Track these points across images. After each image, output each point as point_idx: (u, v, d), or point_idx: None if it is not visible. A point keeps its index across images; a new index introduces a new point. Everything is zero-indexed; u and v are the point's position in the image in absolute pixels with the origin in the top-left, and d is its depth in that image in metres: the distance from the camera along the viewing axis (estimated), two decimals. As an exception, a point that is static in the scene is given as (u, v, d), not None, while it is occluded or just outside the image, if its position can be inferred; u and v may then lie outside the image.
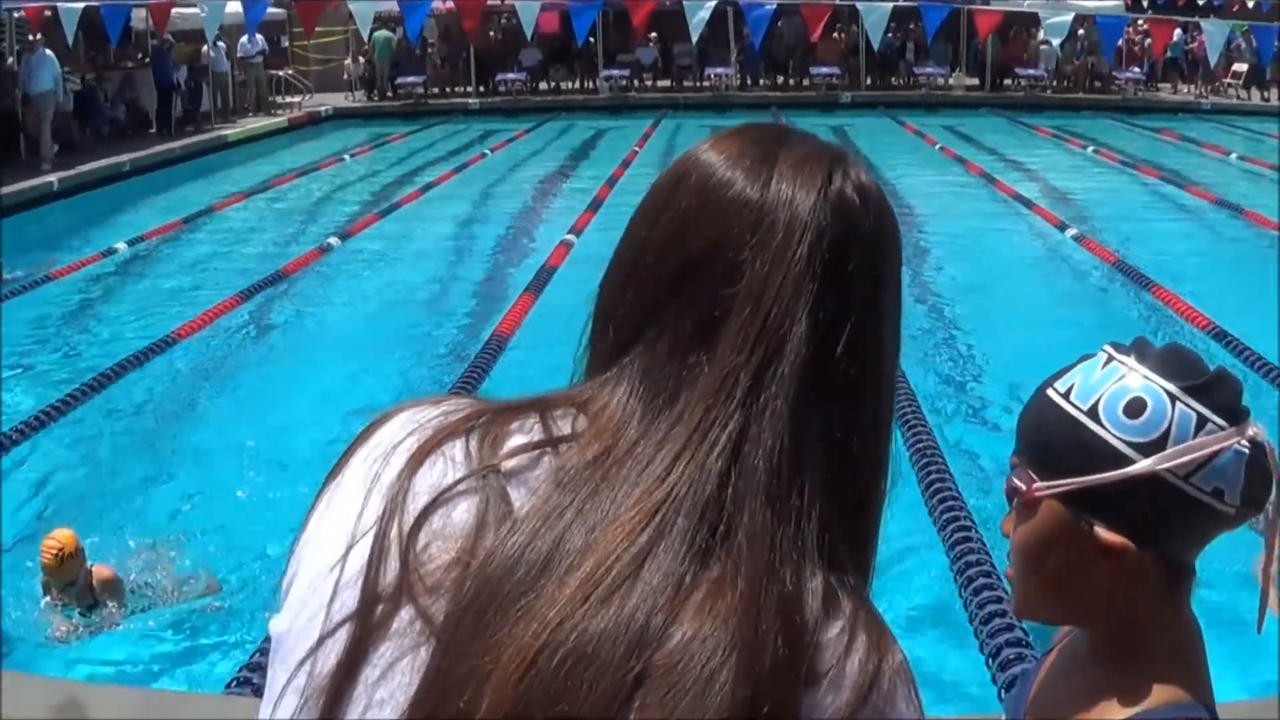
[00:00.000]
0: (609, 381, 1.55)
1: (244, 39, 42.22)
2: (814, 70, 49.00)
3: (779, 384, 1.47)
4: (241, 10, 41.03)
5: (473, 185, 29.58)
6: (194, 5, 39.71)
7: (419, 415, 1.57)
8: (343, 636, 1.43)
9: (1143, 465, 2.07)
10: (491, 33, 50.76)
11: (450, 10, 47.18)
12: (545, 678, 1.33)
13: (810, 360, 1.48)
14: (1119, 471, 2.08)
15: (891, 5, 45.40)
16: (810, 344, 1.48)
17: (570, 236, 20.62)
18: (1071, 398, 2.17)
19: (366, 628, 1.42)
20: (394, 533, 1.45)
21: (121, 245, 21.39)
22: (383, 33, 47.76)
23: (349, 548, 1.48)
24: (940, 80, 49.20)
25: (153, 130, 37.43)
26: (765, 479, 1.43)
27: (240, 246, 22.48)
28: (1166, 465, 2.07)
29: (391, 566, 1.44)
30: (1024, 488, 2.17)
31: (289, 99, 46.14)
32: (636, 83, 50.24)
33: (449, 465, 1.49)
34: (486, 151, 35.30)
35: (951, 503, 9.26)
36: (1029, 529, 2.18)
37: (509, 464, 1.49)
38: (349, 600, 1.44)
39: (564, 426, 1.52)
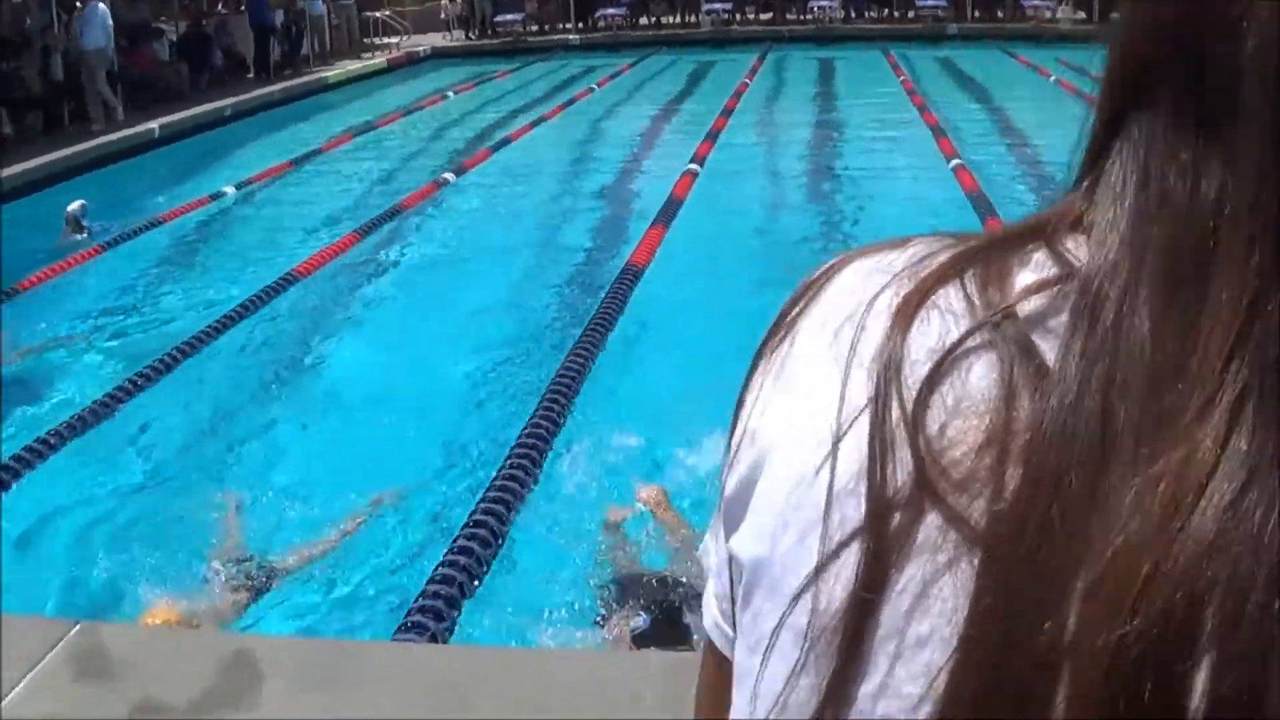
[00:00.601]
0: (1103, 182, 1.05)
1: (337, -20, 42.01)
2: (919, 3, 48.38)
3: None
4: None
5: (583, 119, 29.12)
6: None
7: (883, 261, 1.12)
8: (851, 558, 0.99)
9: None
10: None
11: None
12: (1158, 607, 0.87)
13: None
14: None
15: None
16: None
17: (694, 166, 20.20)
18: None
19: (883, 544, 0.98)
20: (895, 414, 1.01)
21: (229, 189, 21.05)
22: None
23: (836, 441, 1.03)
24: (1047, 14, 48.38)
25: (250, 75, 37.19)
26: None
27: (351, 185, 22.09)
28: None
29: (902, 459, 0.99)
30: None
31: (386, 40, 45.90)
32: (738, 16, 49.73)
33: (947, 318, 1.04)
34: (594, 86, 34.90)
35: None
36: None
37: (1026, 308, 1.02)
38: (851, 511, 1.00)
39: (1080, 255, 1.02)
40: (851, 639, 0.96)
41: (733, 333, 12.25)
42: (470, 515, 7.80)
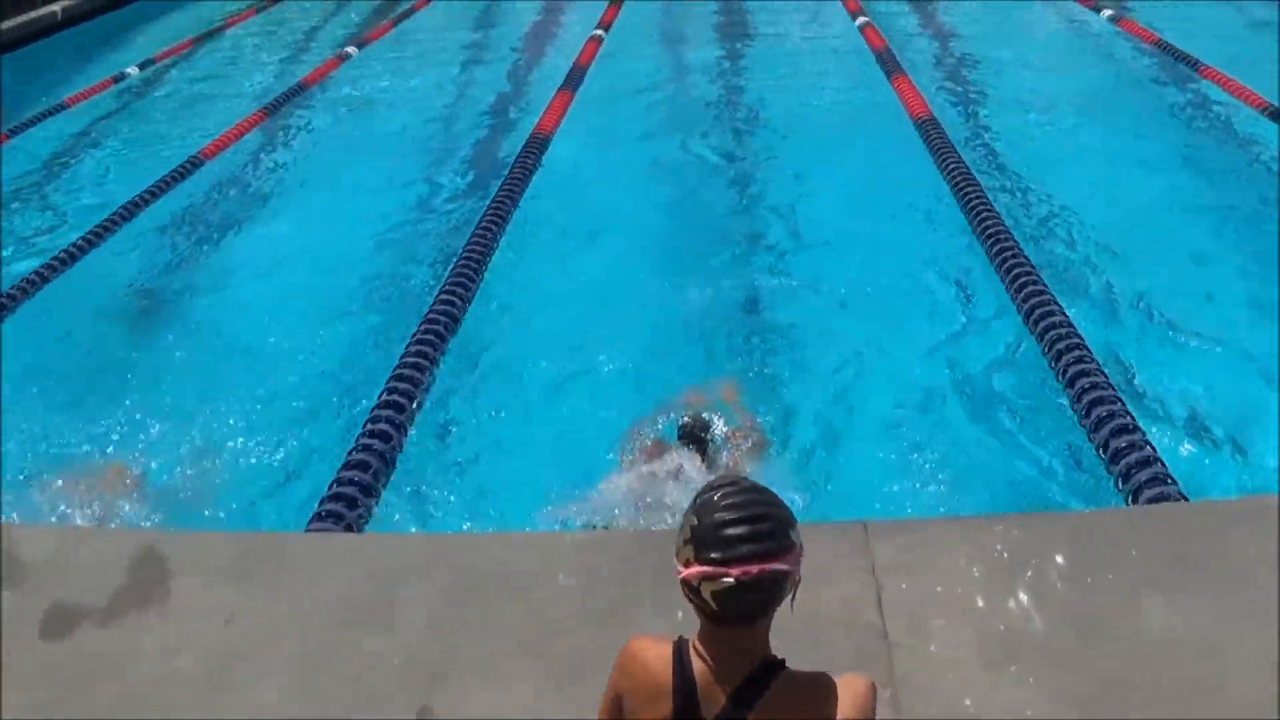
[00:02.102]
0: None
1: None
2: None
3: None
4: None
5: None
6: None
7: None
8: None
9: None
10: None
11: None
12: None
13: None
14: None
15: None
16: None
17: (599, 31, 20.11)
18: None
19: None
20: None
21: (133, 70, 20.76)
22: None
23: None
24: None
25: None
26: None
27: (253, 63, 21.86)
28: None
29: None
30: None
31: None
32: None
33: None
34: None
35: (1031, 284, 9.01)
36: None
37: None
38: None
39: None
40: None
41: (631, 199, 12.36)
42: (376, 400, 7.83)
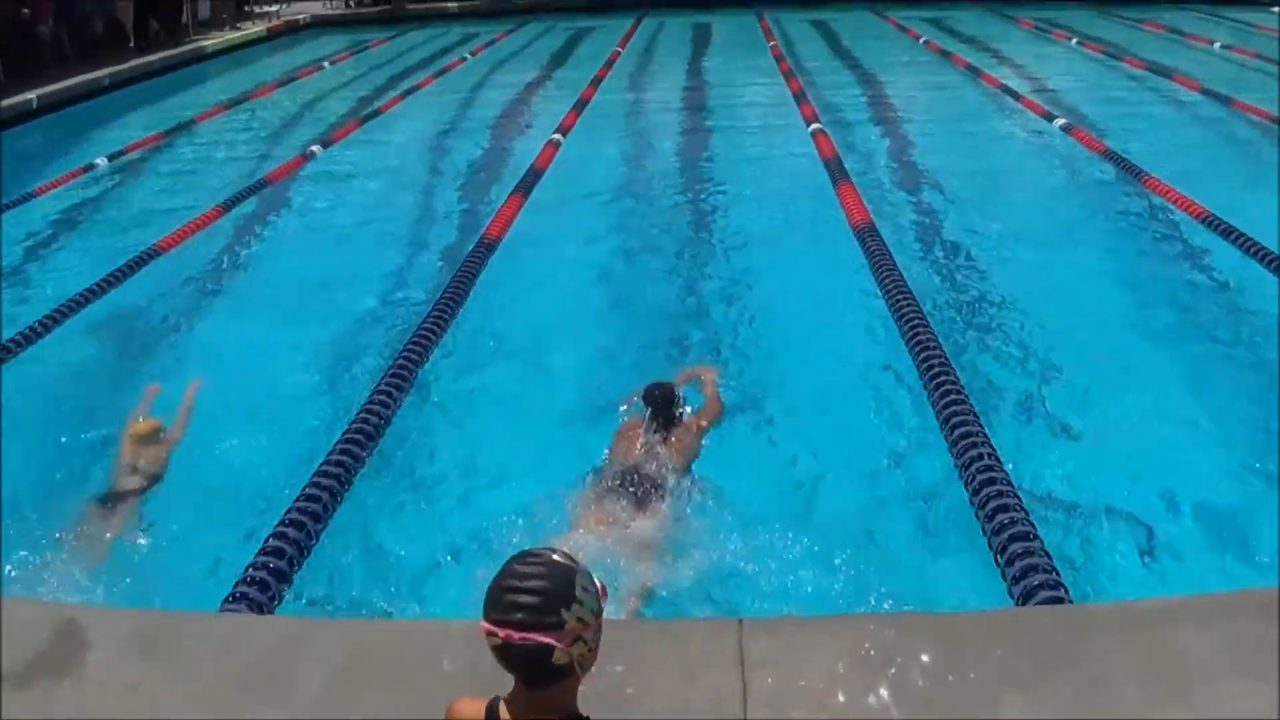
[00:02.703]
0: None
1: (211, -52, 41.69)
2: (795, -36, 48.64)
3: None
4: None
5: (455, 89, 29.41)
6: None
7: None
8: None
9: None
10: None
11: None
12: None
13: None
14: None
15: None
16: None
17: (557, 136, 20.49)
18: None
19: None
20: None
21: (101, 161, 21.11)
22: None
23: None
24: (922, -27, 48.91)
25: (131, 44, 36.95)
26: None
27: (223, 157, 22.25)
28: None
29: None
30: None
31: (267, 8, 45.68)
32: (617, -18, 49.86)
33: None
34: (467, 55, 35.07)
35: (954, 396, 9.24)
36: None
37: None
38: None
39: None
40: None
41: (575, 301, 12.61)
42: (301, 490, 8.07)
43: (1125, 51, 31.90)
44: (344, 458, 8.62)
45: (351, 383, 10.82)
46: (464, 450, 9.62)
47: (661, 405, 9.27)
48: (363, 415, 9.32)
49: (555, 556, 3.51)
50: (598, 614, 3.51)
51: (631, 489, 8.42)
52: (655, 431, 9.12)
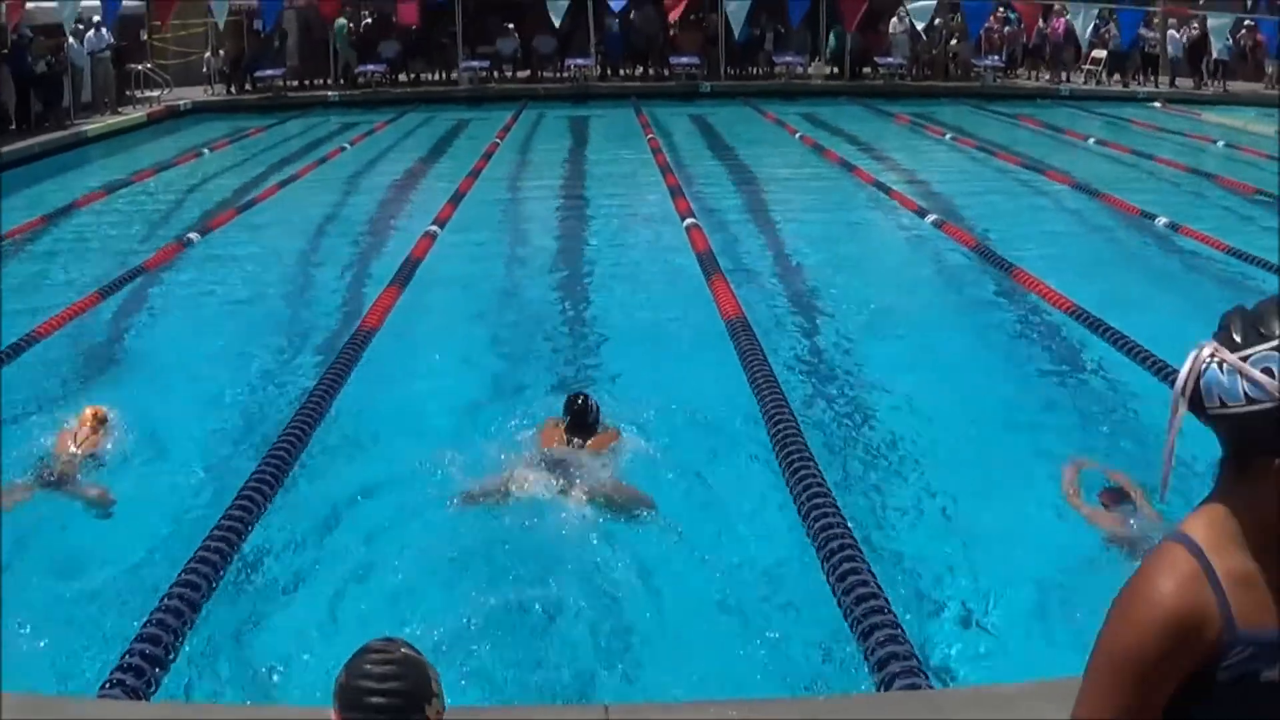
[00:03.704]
0: None
1: (90, 33, 41.46)
2: (674, 60, 49.18)
3: None
4: (99, 3, 40.60)
5: (333, 179, 29.52)
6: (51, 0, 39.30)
7: None
8: None
9: None
10: (350, 24, 50.51)
11: (310, 2, 47.19)
12: None
13: None
14: None
15: (752, -6, 45.89)
16: None
17: (434, 228, 20.69)
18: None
19: None
20: None
21: (-23, 244, 21.08)
22: (341, 20, 48.50)
23: None
24: (800, 69, 49.63)
25: (12, 126, 36.81)
26: None
27: (101, 243, 22.28)
28: None
29: None
30: None
31: (149, 93, 45.59)
32: (496, 74, 50.18)
33: None
34: (346, 145, 35.13)
35: (817, 489, 9.47)
36: None
37: None
38: None
39: None
40: None
41: (456, 396, 12.77)
42: (174, 580, 8.18)
43: (1000, 147, 32.59)
44: (221, 543, 8.75)
45: (227, 473, 10.90)
46: (339, 539, 9.77)
47: (578, 414, 10.77)
48: (239, 502, 9.44)
49: (404, 650, 3.67)
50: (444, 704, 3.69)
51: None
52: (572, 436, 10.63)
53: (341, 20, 48.70)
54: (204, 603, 8.03)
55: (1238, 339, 2.60)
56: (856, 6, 46.44)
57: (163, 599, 7.89)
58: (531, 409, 12.14)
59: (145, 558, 9.39)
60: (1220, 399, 2.61)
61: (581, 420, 10.81)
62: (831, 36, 49.66)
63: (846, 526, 8.85)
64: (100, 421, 11.56)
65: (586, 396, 11.12)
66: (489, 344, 14.79)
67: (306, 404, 11.89)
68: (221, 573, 8.48)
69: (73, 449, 11.13)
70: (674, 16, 47.21)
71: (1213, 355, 2.64)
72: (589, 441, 10.69)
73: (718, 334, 14.31)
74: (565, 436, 10.76)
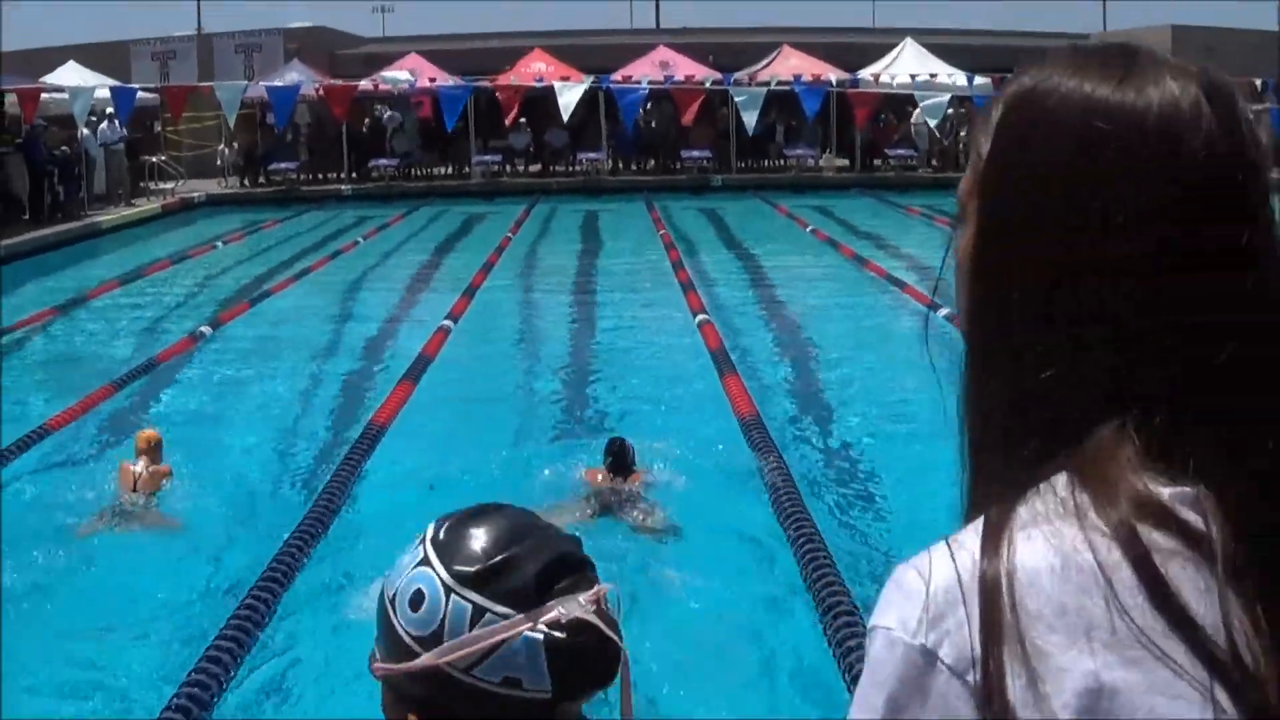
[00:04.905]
0: None
1: (103, 125, 41.74)
2: (685, 154, 49.39)
3: None
4: (111, 95, 40.91)
5: (347, 272, 29.66)
6: (63, 91, 39.53)
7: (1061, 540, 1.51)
8: None
9: (422, 660, 2.19)
10: (365, 119, 50.93)
11: (320, 97, 47.46)
12: None
13: None
14: (403, 665, 2.21)
15: (765, 91, 45.98)
16: None
17: (447, 323, 20.69)
18: (386, 584, 2.33)
19: None
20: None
21: (-10, 336, 21.09)
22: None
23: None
24: (811, 161, 49.80)
25: (26, 217, 36.95)
26: None
27: (113, 335, 22.31)
28: (444, 660, 2.17)
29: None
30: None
31: (163, 185, 45.83)
32: (509, 168, 50.44)
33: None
34: (359, 239, 35.25)
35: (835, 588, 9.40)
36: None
37: None
38: None
39: None
40: None
41: (463, 487, 12.71)
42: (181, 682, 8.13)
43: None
44: (237, 632, 8.70)
45: (237, 570, 10.84)
46: (347, 635, 9.70)
47: (618, 455, 12.19)
48: (248, 601, 9.39)
49: None
50: None
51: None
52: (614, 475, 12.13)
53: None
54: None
55: None
56: (866, 105, 46.64)
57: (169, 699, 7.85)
58: (541, 504, 12.07)
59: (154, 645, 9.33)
60: None
61: (622, 460, 12.21)
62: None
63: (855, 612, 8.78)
64: (155, 448, 12.88)
65: (624, 439, 12.50)
66: (500, 441, 14.72)
67: (319, 499, 11.85)
68: (230, 674, 8.43)
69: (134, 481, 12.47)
70: (687, 120, 47.20)
71: None
72: (628, 478, 12.18)
73: (731, 431, 14.25)
74: (609, 475, 12.18)
